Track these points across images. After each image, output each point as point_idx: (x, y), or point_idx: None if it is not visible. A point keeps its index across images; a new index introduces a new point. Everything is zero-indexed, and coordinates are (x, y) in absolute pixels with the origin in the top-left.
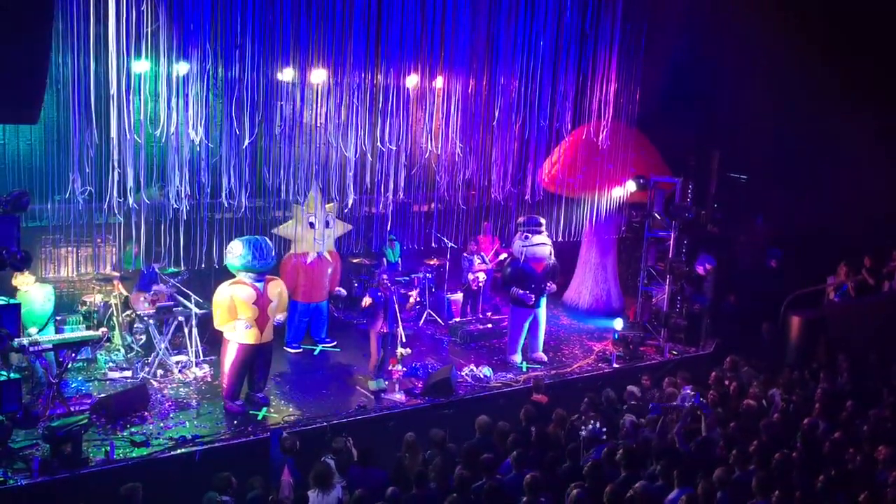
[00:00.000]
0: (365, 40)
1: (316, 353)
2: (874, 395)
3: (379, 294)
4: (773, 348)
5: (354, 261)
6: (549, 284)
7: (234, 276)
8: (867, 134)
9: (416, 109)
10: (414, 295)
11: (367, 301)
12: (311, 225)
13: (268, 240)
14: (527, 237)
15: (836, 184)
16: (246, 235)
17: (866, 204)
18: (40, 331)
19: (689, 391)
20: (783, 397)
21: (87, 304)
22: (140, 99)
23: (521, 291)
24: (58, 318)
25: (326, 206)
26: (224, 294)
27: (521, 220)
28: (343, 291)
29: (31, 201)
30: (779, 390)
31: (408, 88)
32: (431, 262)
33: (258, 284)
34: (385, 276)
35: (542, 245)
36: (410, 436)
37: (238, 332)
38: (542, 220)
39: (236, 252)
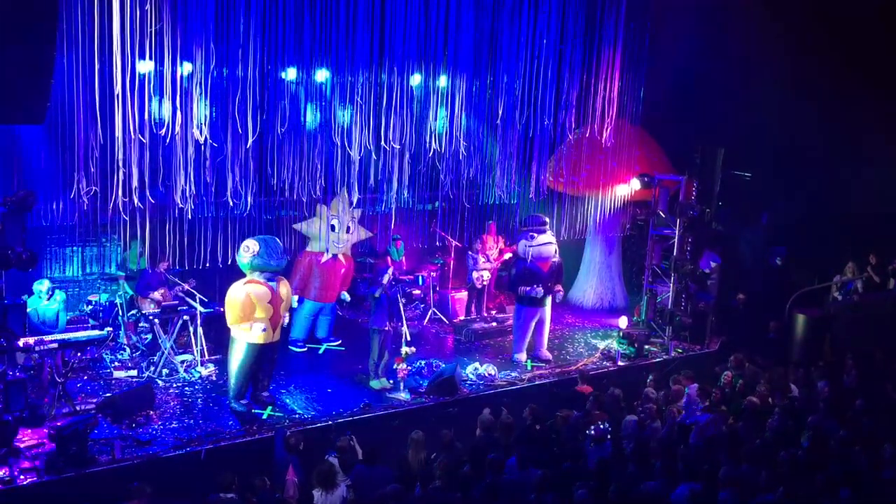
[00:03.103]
0: (369, 39)
1: (321, 351)
2: (879, 393)
3: (387, 278)
4: (779, 346)
5: (358, 259)
6: (557, 289)
7: (239, 275)
8: (874, 131)
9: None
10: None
11: (385, 279)
12: (332, 228)
13: (278, 240)
14: (532, 237)
15: (843, 181)
16: (257, 235)
17: (872, 201)
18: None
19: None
20: (787, 395)
21: (93, 303)
22: (146, 98)
23: (527, 289)
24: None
25: (351, 211)
26: (239, 293)
27: (524, 219)
28: (348, 297)
29: (36, 201)
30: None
31: (412, 87)
32: (437, 264)
33: (272, 284)
34: (388, 272)
35: (547, 244)
36: (417, 433)
37: (253, 333)
38: (546, 219)
39: (252, 251)
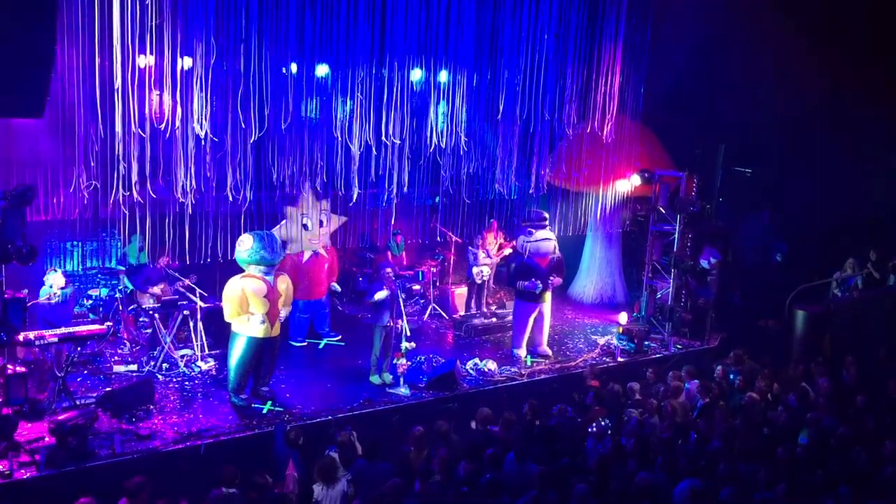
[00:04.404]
0: (369, 33)
1: (321, 347)
2: (879, 390)
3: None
4: (778, 343)
5: (359, 255)
6: (553, 277)
7: (239, 271)
8: (875, 126)
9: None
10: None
11: (380, 295)
12: (305, 227)
13: (276, 234)
14: (530, 232)
15: (844, 177)
16: (254, 230)
17: (874, 198)
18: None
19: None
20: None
21: (93, 298)
22: (146, 93)
23: (526, 283)
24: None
25: (320, 204)
26: (235, 287)
27: (525, 214)
28: (338, 288)
29: (35, 195)
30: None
31: (412, 82)
32: (437, 259)
33: (268, 278)
34: (389, 270)
35: (546, 240)
36: (419, 430)
37: (251, 326)
38: (546, 215)
39: (247, 245)
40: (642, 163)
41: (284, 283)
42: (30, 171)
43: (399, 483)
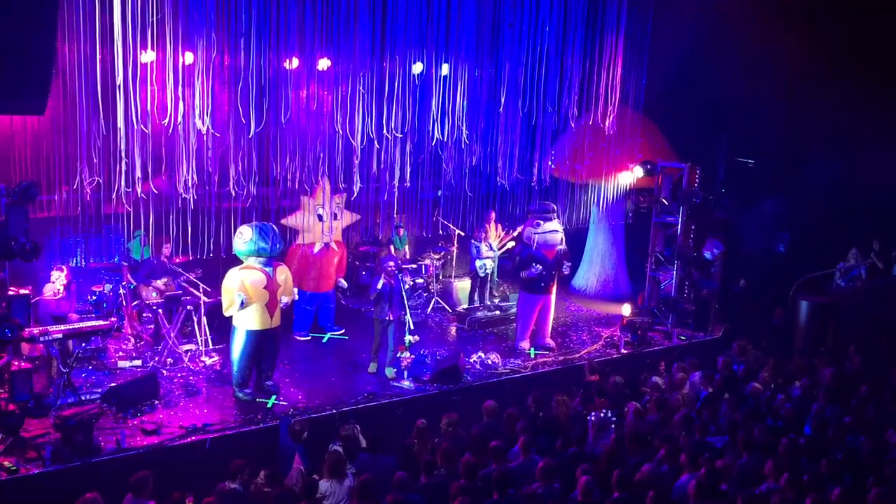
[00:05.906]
0: (370, 27)
1: (324, 340)
2: (883, 379)
3: (383, 282)
4: (782, 333)
5: (362, 249)
6: (564, 265)
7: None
8: (877, 117)
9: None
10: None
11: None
12: (320, 217)
13: (274, 226)
14: (538, 224)
15: (847, 167)
16: (252, 222)
17: (876, 188)
18: None
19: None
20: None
21: (97, 293)
22: (148, 89)
23: (527, 271)
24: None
25: (335, 197)
26: (234, 279)
27: (532, 206)
28: (344, 283)
29: (39, 192)
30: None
31: (414, 75)
32: (440, 252)
33: (267, 269)
34: (391, 264)
35: (553, 232)
36: (423, 423)
37: (247, 315)
38: (554, 207)
39: (246, 237)
40: (644, 154)
41: (284, 274)
42: (32, 167)
43: (405, 477)
